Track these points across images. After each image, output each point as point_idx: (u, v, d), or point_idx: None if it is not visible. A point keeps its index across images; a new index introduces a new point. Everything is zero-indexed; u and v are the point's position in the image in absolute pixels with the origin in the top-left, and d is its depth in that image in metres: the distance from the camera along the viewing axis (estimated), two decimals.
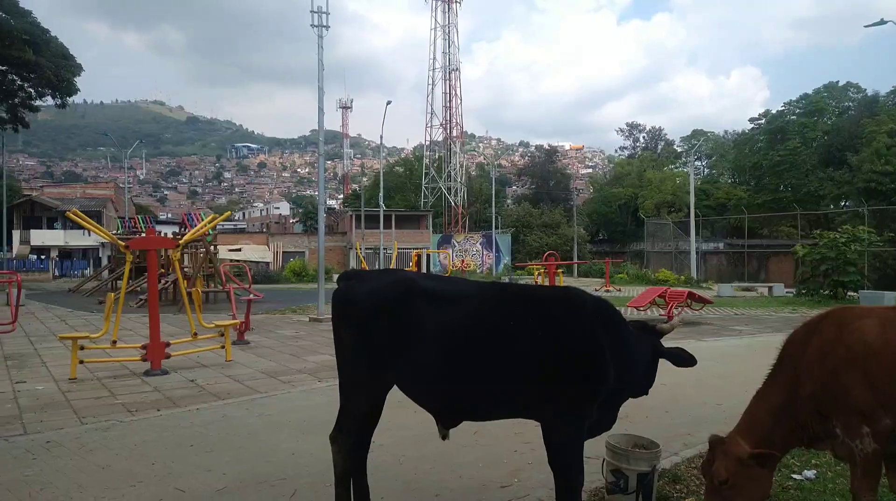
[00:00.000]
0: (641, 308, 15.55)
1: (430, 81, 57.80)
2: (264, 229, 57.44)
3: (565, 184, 69.02)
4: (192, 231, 12.11)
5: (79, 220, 8.94)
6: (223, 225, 48.04)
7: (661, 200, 50.92)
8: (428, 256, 34.90)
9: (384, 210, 36.32)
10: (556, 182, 66.64)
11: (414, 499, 4.05)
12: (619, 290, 27.06)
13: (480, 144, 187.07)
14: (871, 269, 27.10)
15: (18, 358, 9.67)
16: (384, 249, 36.16)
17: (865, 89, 49.35)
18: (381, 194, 36.15)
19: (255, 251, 41.27)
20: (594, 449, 3.98)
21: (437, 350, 3.12)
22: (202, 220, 19.78)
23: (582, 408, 3.20)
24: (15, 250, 44.41)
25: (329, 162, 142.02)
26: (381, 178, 40.06)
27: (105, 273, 28.96)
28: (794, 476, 4.39)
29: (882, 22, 19.52)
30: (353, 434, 3.29)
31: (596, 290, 25.61)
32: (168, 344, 8.70)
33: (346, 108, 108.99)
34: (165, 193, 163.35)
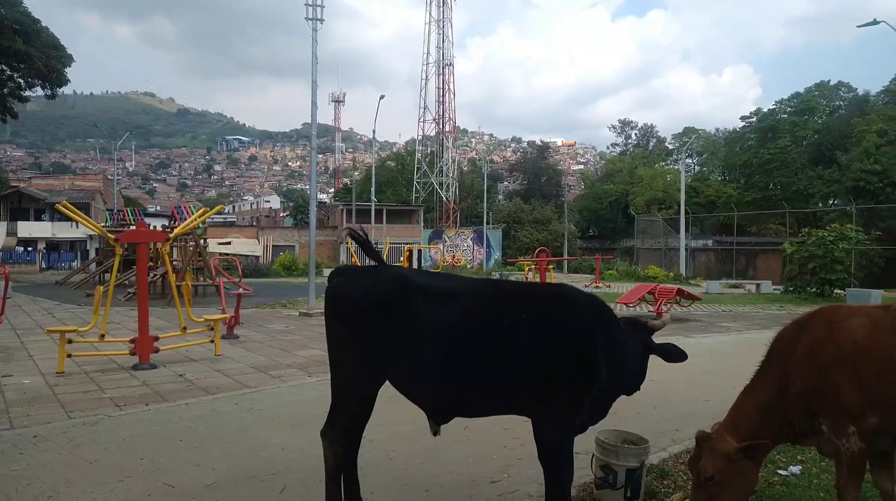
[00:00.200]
0: (631, 305, 15.62)
1: (424, 76, 57.66)
2: (254, 223, 57.23)
3: (557, 180, 69.12)
4: (184, 225, 12.06)
5: (68, 212, 8.86)
6: (213, 218, 47.85)
7: (651, 197, 51.14)
8: (419, 251, 34.87)
9: (375, 205, 36.28)
10: (547, 178, 66.75)
11: (404, 494, 4.06)
12: (609, 286, 27.19)
13: (473, 140, 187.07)
14: (858, 267, 27.40)
15: (5, 351, 9.58)
16: (375, 243, 36.04)
17: (856, 89, 49.83)
18: (372, 189, 36.11)
19: (244, 245, 41.07)
20: (584, 445, 4.00)
21: (431, 347, 3.13)
22: (192, 213, 19.70)
23: (574, 405, 3.22)
24: (1, 242, 43.96)
25: (320, 156, 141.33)
26: (373, 172, 40.00)
27: (93, 266, 28.73)
28: (780, 471, 4.44)
29: (875, 22, 19.67)
30: (344, 430, 3.29)
31: (586, 286, 25.70)
32: (157, 338, 8.64)
33: (338, 101, 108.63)
34: (154, 185, 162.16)
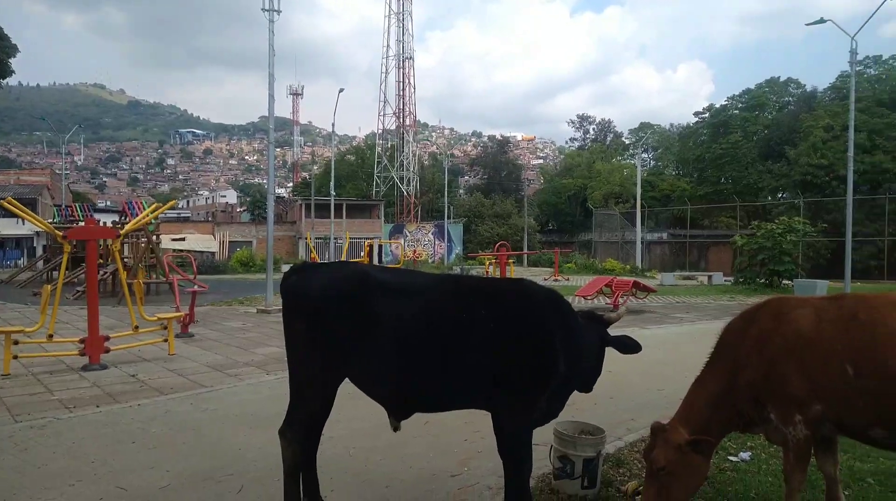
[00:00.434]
0: (589, 297, 15.88)
1: (384, 69, 57.33)
2: (210, 218, 55.92)
3: (517, 174, 69.72)
4: (134, 221, 11.70)
5: (14, 209, 8.50)
6: (166, 214, 46.53)
7: (609, 191, 52.02)
8: (380, 246, 34.69)
9: (335, 199, 35.88)
10: (507, 173, 67.26)
11: (364, 491, 4.05)
12: (568, 279, 27.58)
13: (433, 134, 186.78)
14: (805, 258, 28.45)
15: None
16: (335, 238, 35.76)
17: (805, 85, 51.59)
18: (332, 183, 35.69)
19: (199, 241, 40.12)
20: (542, 436, 4.05)
21: (392, 344, 3.13)
22: (144, 208, 19.13)
23: (532, 398, 3.27)
24: None
25: (278, 149, 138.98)
26: (333, 166, 39.53)
27: (40, 264, 27.69)
28: (731, 457, 4.59)
29: (822, 21, 20.38)
30: (303, 428, 3.26)
31: (545, 279, 26.02)
32: (107, 338, 8.39)
33: (296, 94, 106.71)
34: (104, 180, 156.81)
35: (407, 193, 55.19)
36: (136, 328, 8.96)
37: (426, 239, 49.11)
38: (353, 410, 5.30)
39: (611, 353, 3.68)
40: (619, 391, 6.66)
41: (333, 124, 36.98)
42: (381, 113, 58.06)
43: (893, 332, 2.85)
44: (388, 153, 57.56)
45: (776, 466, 4.28)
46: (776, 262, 22.77)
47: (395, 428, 3.50)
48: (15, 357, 7.82)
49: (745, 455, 4.61)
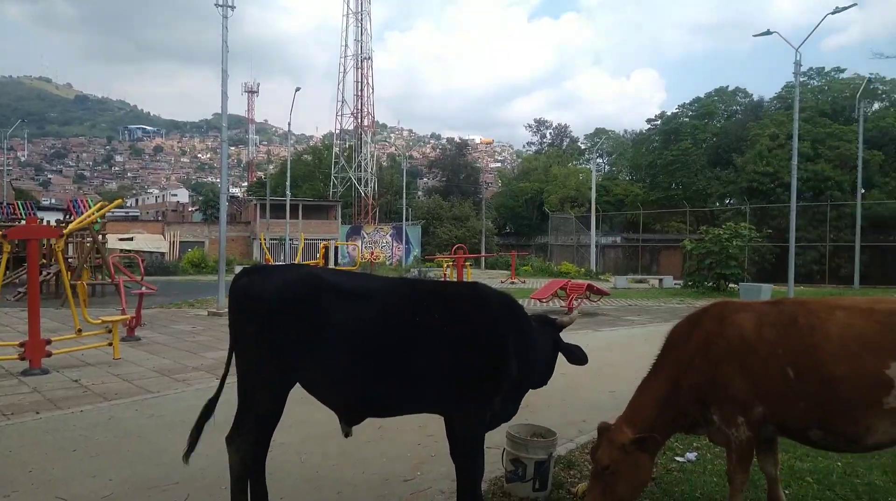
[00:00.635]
0: (544, 300, 16.09)
1: (342, 69, 56.81)
2: (160, 218, 54.39)
3: (475, 177, 70.15)
4: (79, 220, 11.27)
5: None
6: (114, 212, 45.06)
7: (565, 195, 52.79)
8: (336, 247, 34.34)
9: (291, 199, 35.38)
10: (466, 175, 67.60)
11: (315, 497, 4.00)
12: (524, 282, 27.87)
13: (392, 135, 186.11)
14: (751, 263, 29.55)
15: None
16: (291, 239, 35.24)
17: (752, 94, 53.38)
18: (287, 183, 35.18)
19: (148, 241, 38.92)
20: (495, 439, 4.08)
21: (345, 348, 3.10)
22: (90, 207, 18.47)
23: (485, 402, 3.29)
24: None
25: (233, 148, 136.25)
26: (289, 166, 38.96)
27: None
28: (678, 458, 4.71)
29: (768, 32, 21.19)
30: (251, 434, 3.19)
31: (501, 282, 26.25)
32: (49, 341, 8.06)
33: (251, 92, 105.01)
34: (49, 176, 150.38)
35: (365, 194, 54.82)
36: (80, 331, 8.63)
37: (384, 241, 48.88)
38: (305, 415, 5.22)
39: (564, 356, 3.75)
40: (572, 393, 6.76)
41: (290, 123, 36.49)
42: (339, 113, 57.58)
43: (831, 336, 2.96)
44: (345, 154, 57.06)
45: (721, 466, 4.40)
46: (723, 266, 23.52)
47: (347, 434, 3.47)
48: None
49: (692, 456, 4.73)
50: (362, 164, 55.62)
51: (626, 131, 71.52)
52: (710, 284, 24.03)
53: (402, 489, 4.13)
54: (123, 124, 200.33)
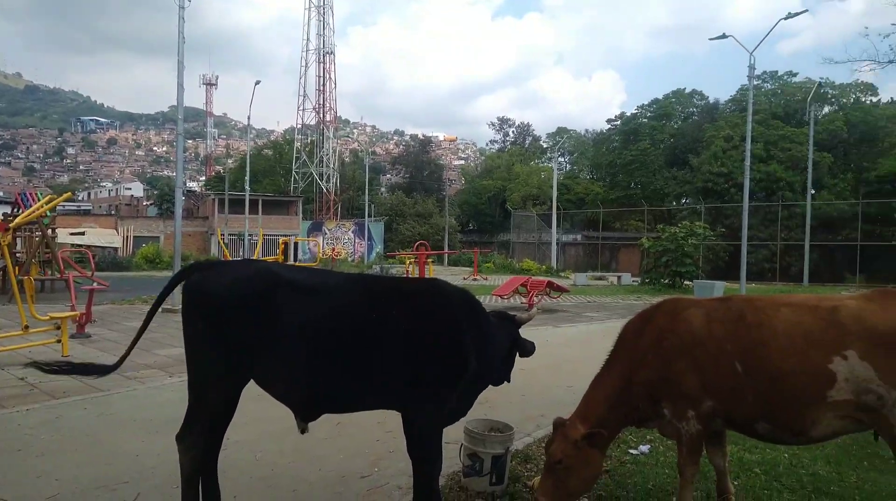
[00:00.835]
0: (505, 297, 16.20)
1: (303, 63, 56.03)
2: (113, 212, 52.78)
3: (438, 174, 70.05)
4: (26, 213, 10.89)
5: None
6: (65, 206, 43.55)
7: (527, 193, 53.25)
8: (296, 243, 33.87)
9: (250, 194, 34.77)
10: (429, 172, 67.45)
11: (270, 495, 3.94)
12: (486, 279, 28.02)
13: (355, 130, 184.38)
14: (706, 260, 30.32)
15: None
16: (250, 235, 34.62)
17: (708, 97, 54.74)
18: (247, 177, 34.56)
19: (100, 236, 37.70)
20: (453, 435, 4.09)
21: (300, 344, 3.06)
22: (39, 200, 17.78)
23: (443, 397, 3.29)
24: None
25: (190, 141, 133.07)
26: (248, 160, 38.25)
27: None
28: (631, 451, 4.80)
29: (723, 36, 21.74)
30: (203, 433, 3.12)
31: (464, 279, 26.34)
32: None
33: (210, 84, 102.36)
34: None
35: (326, 190, 54.20)
36: (27, 327, 8.29)
37: (346, 237, 48.44)
38: (260, 412, 5.14)
39: None
40: (531, 389, 6.82)
41: (249, 117, 35.82)
42: (301, 107, 56.75)
43: (777, 332, 3.04)
44: (307, 149, 56.30)
45: (672, 458, 4.49)
46: (678, 264, 24.08)
47: (303, 430, 3.43)
48: None
49: (645, 448, 4.83)
50: (324, 159, 54.97)
51: (587, 131, 72.52)
52: (667, 281, 24.58)
53: (359, 485, 4.10)
54: (76, 116, 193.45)
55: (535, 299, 15.90)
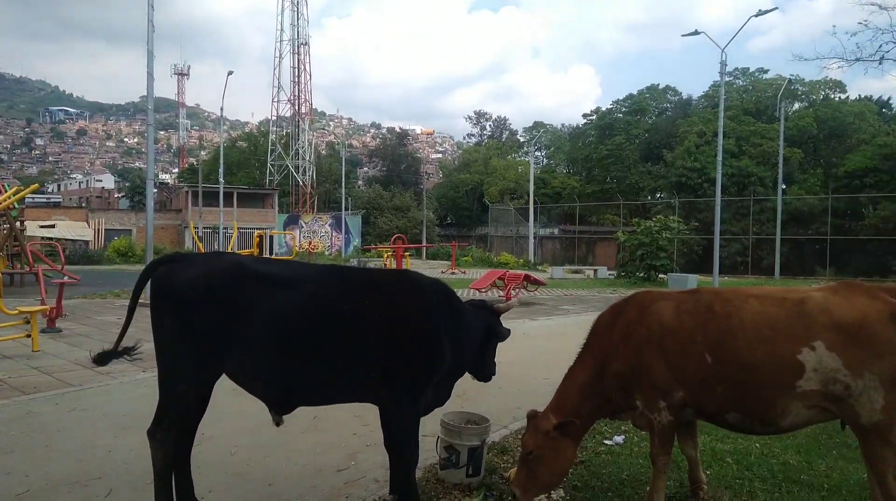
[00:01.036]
0: (483, 290, 16.25)
1: (278, 54, 55.35)
2: (84, 204, 51.72)
3: (416, 168, 69.94)
4: None
5: None
6: (33, 198, 42.55)
7: (504, 187, 53.40)
8: (272, 237, 33.55)
9: (224, 187, 34.32)
10: (406, 166, 67.33)
11: (245, 490, 3.91)
12: (464, 272, 28.08)
13: (331, 123, 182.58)
14: (680, 254, 30.72)
15: None
16: (224, 228, 34.21)
17: (681, 92, 55.43)
18: (220, 169, 34.09)
19: (71, 228, 36.95)
20: (430, 427, 4.11)
21: (272, 337, 3.04)
22: (5, 192, 17.34)
23: (418, 389, 3.30)
24: None
25: (163, 132, 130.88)
26: (222, 152, 37.74)
27: None
28: (606, 441, 4.87)
29: (696, 33, 21.98)
30: (174, 428, 3.09)
31: (442, 272, 26.36)
32: None
33: (182, 74, 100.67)
34: None
35: (303, 182, 53.72)
36: None
37: (323, 230, 48.11)
38: (235, 407, 5.12)
39: (501, 344, 3.79)
40: (507, 381, 6.85)
41: (222, 108, 35.29)
42: (275, 99, 56.08)
43: (745, 323, 3.10)
44: (282, 141, 55.68)
45: (646, 449, 4.55)
46: (653, 257, 24.39)
47: (278, 423, 3.41)
48: None
49: (619, 439, 4.91)
50: (300, 152, 54.48)
51: (563, 125, 72.87)
52: (642, 274, 24.88)
53: (335, 479, 4.09)
54: (44, 106, 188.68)
55: (512, 292, 15.99)
